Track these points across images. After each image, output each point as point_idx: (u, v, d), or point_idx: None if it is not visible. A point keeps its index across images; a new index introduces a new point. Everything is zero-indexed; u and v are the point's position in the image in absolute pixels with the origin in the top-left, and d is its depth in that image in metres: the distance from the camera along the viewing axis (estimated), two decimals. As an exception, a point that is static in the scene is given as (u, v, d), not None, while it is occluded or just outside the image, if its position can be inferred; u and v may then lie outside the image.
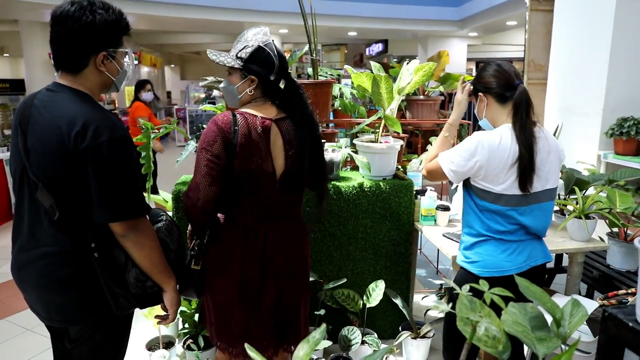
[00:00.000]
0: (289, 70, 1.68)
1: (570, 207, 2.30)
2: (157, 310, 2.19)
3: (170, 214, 2.07)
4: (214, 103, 11.16)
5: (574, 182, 2.41)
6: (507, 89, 1.68)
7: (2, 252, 4.44)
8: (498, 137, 1.63)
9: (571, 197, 2.42)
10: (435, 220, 2.49)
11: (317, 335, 0.70)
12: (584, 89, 3.92)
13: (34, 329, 2.95)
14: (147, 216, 1.45)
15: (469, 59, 12.67)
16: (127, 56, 1.46)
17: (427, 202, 2.48)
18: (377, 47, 14.26)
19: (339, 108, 3.38)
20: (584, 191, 2.44)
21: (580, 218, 2.18)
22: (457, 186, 2.60)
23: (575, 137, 3.94)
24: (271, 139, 1.57)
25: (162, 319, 1.61)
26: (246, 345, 0.68)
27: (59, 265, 1.36)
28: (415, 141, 4.19)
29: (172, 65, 20.58)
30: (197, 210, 1.53)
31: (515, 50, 12.54)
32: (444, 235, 2.31)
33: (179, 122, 12.45)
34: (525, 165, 1.60)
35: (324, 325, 0.72)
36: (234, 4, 9.03)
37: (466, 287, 0.79)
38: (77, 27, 1.31)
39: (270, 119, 1.58)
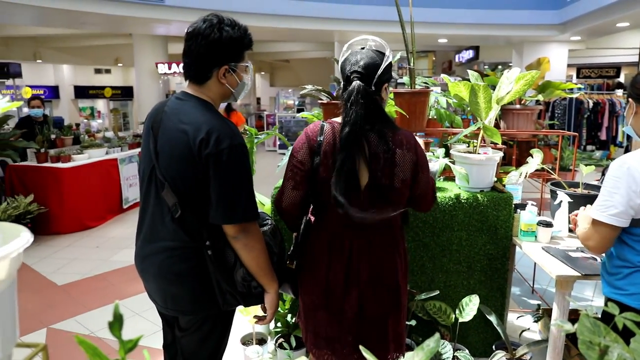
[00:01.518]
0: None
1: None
2: (255, 309, 2.32)
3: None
4: (302, 110, 11.53)
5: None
6: None
7: (114, 242, 4.91)
8: None
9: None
10: (535, 237, 2.37)
11: (431, 344, 0.70)
12: None
13: (142, 313, 3.24)
14: None
15: (569, 65, 11.75)
16: (246, 69, 1.56)
17: (528, 217, 2.36)
18: (468, 54, 13.78)
19: (434, 117, 3.33)
20: None
21: None
22: (561, 201, 2.44)
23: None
24: None
25: (260, 319, 1.67)
26: (361, 348, 0.70)
27: (177, 259, 1.48)
28: (510, 152, 3.99)
29: (262, 73, 21.45)
30: (280, 209, 1.64)
31: (626, 55, 11.41)
32: (543, 249, 2.21)
33: (267, 127, 13.04)
34: None
35: (437, 335, 0.72)
36: (324, 13, 9.19)
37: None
38: (205, 43, 1.43)
39: None
